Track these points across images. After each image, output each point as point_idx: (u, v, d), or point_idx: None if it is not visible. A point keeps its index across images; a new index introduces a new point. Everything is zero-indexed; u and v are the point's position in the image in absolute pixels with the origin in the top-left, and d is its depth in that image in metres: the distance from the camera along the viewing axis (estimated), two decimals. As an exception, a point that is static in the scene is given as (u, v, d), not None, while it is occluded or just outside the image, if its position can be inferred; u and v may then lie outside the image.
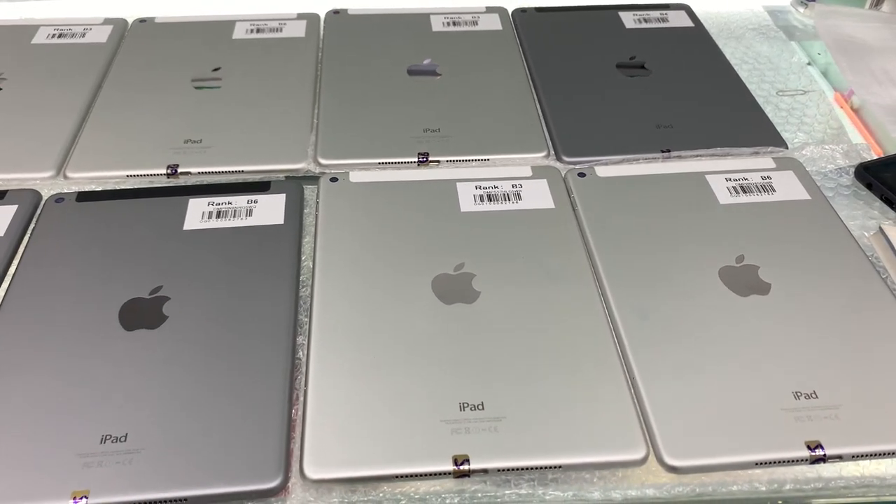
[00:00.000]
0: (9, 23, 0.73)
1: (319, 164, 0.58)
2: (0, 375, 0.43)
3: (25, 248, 0.51)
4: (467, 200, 0.54)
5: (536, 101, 0.65)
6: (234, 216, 0.53)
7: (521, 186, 0.56)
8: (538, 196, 0.55)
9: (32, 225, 0.53)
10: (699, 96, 0.65)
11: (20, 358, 0.44)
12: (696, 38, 0.73)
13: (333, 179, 0.56)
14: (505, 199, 0.55)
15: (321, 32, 0.73)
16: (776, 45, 0.75)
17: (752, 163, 0.58)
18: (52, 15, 0.75)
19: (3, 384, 0.42)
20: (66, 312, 0.46)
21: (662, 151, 0.59)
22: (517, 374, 0.43)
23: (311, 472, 0.39)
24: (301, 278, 0.50)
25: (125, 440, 0.40)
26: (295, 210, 0.54)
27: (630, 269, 0.50)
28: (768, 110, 0.64)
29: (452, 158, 0.59)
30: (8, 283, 0.49)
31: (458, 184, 0.56)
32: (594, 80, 0.67)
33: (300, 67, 0.68)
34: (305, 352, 0.45)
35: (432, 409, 0.41)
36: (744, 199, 0.55)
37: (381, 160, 0.58)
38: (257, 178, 0.57)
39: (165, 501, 0.38)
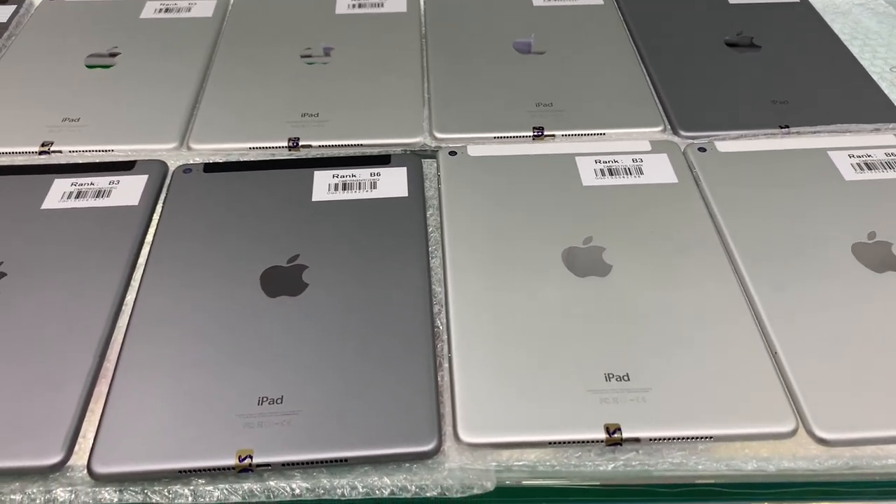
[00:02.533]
0: (116, -2, 0.75)
1: (435, 139, 0.59)
2: (154, 341, 0.44)
3: (160, 217, 0.52)
4: (588, 174, 0.55)
5: (646, 76, 0.64)
6: (359, 188, 0.54)
7: (642, 161, 0.56)
8: (660, 170, 0.55)
9: (163, 194, 0.55)
10: (813, 72, 0.64)
11: (170, 324, 0.45)
12: (803, 14, 0.72)
13: (452, 153, 0.57)
14: (626, 174, 0.55)
15: (422, 7, 0.73)
16: (887, 21, 0.73)
17: (874, 139, 0.57)
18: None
19: (159, 349, 0.44)
20: (209, 279, 0.48)
21: (781, 127, 0.58)
22: (659, 346, 0.43)
23: (466, 436, 0.40)
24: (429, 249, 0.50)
25: (281, 402, 0.41)
26: (417, 183, 0.55)
27: (761, 243, 0.49)
28: (883, 87, 0.63)
29: (568, 133, 0.59)
30: (148, 250, 0.50)
31: (577, 158, 0.56)
32: (702, 55, 0.66)
33: (405, 42, 0.69)
34: (444, 320, 0.46)
35: (579, 379, 0.42)
36: (869, 175, 0.54)
37: (496, 134, 0.59)
38: (375, 151, 0.58)
39: (326, 462, 0.39)
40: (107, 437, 0.40)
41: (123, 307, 0.47)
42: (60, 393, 0.42)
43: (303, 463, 0.39)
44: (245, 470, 0.39)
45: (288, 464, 0.39)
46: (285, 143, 0.58)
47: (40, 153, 0.58)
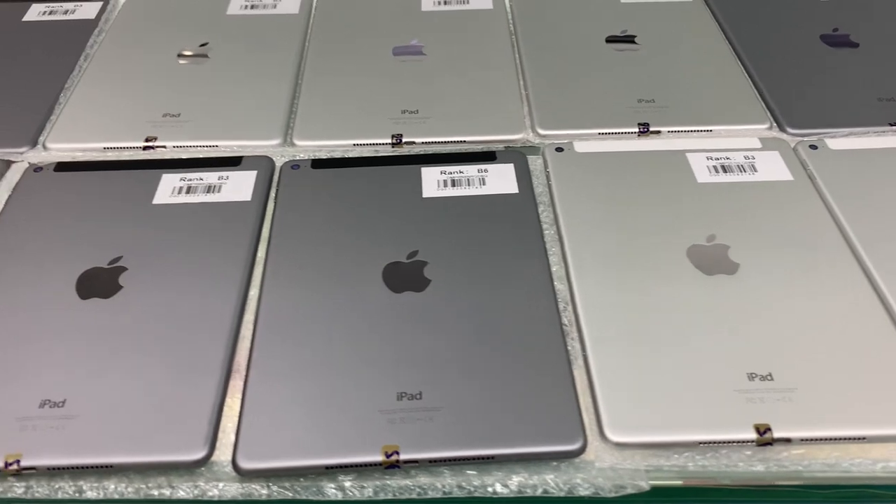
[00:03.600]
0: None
1: (539, 135, 0.58)
2: (284, 337, 0.44)
3: (274, 212, 0.52)
4: (701, 171, 0.54)
5: (745, 72, 0.63)
6: (468, 185, 0.54)
7: (754, 158, 0.55)
8: (773, 167, 0.54)
9: (273, 190, 0.54)
10: (916, 68, 0.63)
11: (297, 319, 0.45)
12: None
13: (559, 150, 0.56)
14: (740, 171, 0.54)
15: (507, 4, 0.73)
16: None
17: None
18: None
19: (289, 345, 0.44)
20: (330, 275, 0.48)
21: (891, 125, 0.57)
22: (803, 346, 0.43)
23: (614, 436, 0.39)
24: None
25: (420, 398, 0.41)
26: (525, 179, 0.54)
27: (886, 241, 0.49)
28: None
29: (674, 129, 0.58)
30: (266, 245, 0.50)
31: (688, 155, 0.55)
32: (799, 51, 0.65)
33: (495, 38, 0.68)
34: (571, 318, 0.45)
35: (722, 378, 0.41)
36: None
37: (600, 130, 0.58)
38: (478, 148, 0.58)
39: (473, 459, 0.39)
40: (249, 432, 0.40)
41: (247, 302, 0.47)
42: (197, 388, 0.42)
43: (450, 460, 0.39)
44: (392, 466, 0.39)
45: (435, 460, 0.39)
46: (388, 140, 0.58)
47: (144, 148, 0.58)
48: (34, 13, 0.73)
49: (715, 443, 0.39)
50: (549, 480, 0.38)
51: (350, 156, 0.57)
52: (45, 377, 0.42)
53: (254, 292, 0.47)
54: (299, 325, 0.45)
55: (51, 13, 0.73)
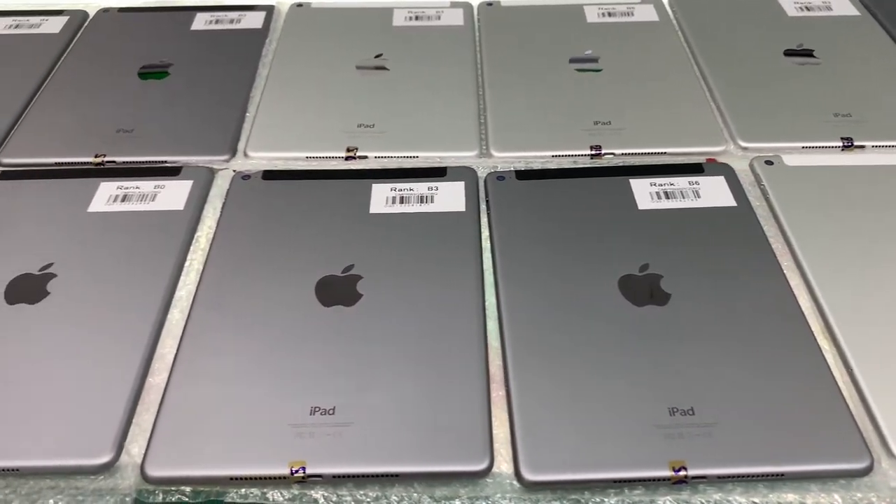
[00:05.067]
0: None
1: (741, 148, 0.58)
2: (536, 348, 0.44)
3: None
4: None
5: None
6: (681, 197, 0.54)
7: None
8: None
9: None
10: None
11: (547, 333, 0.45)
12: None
13: (769, 163, 0.56)
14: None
15: (672, 14, 0.73)
16: None
17: None
18: None
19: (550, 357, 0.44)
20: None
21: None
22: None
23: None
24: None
25: (693, 413, 0.40)
26: (739, 191, 0.54)
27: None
28: None
29: (879, 144, 0.57)
30: (490, 255, 0.50)
31: (901, 169, 0.55)
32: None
33: (671, 49, 0.68)
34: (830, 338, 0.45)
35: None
36: None
37: (804, 144, 0.58)
38: (678, 160, 0.57)
39: (760, 476, 0.39)
40: (531, 444, 0.40)
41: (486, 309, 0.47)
42: (467, 397, 0.42)
43: (737, 476, 0.39)
44: (680, 482, 0.38)
45: (723, 476, 0.39)
46: (587, 151, 0.58)
47: (346, 158, 0.58)
48: (201, 22, 0.74)
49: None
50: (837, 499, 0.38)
51: (550, 167, 0.57)
52: (315, 384, 0.42)
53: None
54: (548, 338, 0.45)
55: (217, 22, 0.74)
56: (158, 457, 0.39)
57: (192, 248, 0.51)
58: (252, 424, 0.41)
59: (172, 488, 0.39)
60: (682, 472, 0.38)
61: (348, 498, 0.39)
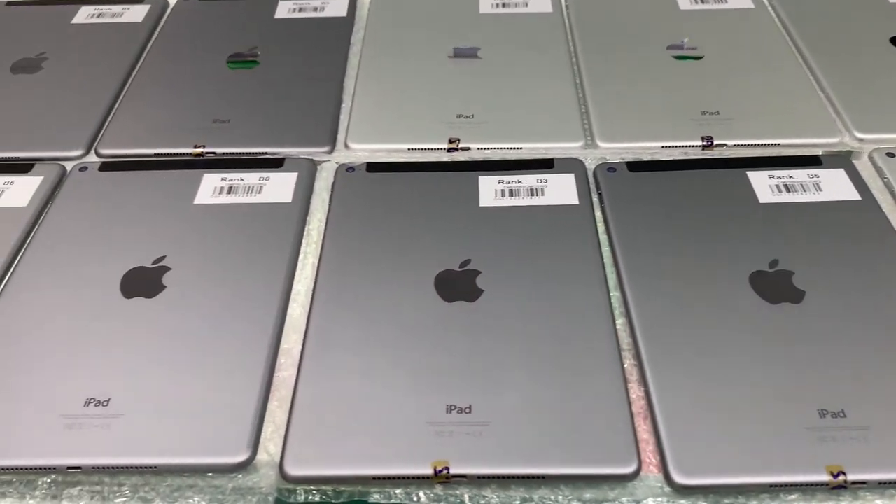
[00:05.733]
0: None
1: (857, 139, 0.56)
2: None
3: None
4: None
5: None
6: (802, 190, 0.52)
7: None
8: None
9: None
10: None
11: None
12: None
13: (890, 154, 0.54)
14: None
15: (767, 1, 0.71)
16: None
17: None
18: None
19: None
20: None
21: None
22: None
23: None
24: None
25: (844, 415, 0.39)
26: (861, 184, 0.52)
27: None
28: None
29: None
30: (609, 249, 0.49)
31: None
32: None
33: (770, 37, 0.66)
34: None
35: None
36: None
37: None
38: (792, 152, 0.56)
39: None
40: (681, 446, 0.38)
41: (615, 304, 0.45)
42: (609, 399, 0.40)
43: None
44: (839, 487, 0.37)
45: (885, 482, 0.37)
46: (699, 142, 0.56)
47: (449, 150, 0.57)
48: (284, 10, 0.73)
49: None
50: None
51: (659, 158, 0.56)
52: (448, 382, 0.41)
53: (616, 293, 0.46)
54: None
55: (300, 10, 0.73)
56: (297, 455, 0.39)
57: (304, 241, 0.50)
58: (389, 422, 0.40)
59: (313, 488, 0.38)
60: (842, 478, 0.37)
61: (494, 500, 0.38)
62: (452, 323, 0.44)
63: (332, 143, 0.58)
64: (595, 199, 0.53)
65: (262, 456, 0.39)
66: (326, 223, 0.51)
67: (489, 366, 0.42)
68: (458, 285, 0.46)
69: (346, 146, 0.58)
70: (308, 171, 0.55)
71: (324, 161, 0.56)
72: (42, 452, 0.39)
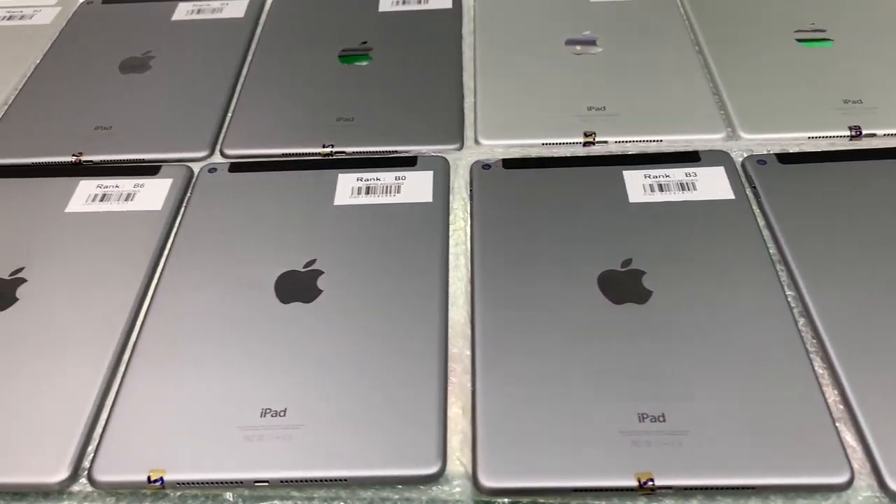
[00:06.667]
0: None
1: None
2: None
3: (764, 212, 0.49)
4: None
5: None
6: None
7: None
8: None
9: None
10: None
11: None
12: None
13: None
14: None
15: None
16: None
17: None
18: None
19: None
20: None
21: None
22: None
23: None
24: None
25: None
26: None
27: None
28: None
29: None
30: (775, 244, 0.47)
31: None
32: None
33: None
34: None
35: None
36: None
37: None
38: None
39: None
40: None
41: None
42: (804, 407, 0.39)
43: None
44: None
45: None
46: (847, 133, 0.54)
47: (585, 144, 0.55)
48: (387, 3, 0.71)
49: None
50: None
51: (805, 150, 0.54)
52: (638, 387, 0.40)
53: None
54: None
55: (403, 3, 0.71)
56: (491, 466, 0.37)
57: (451, 241, 0.49)
58: (581, 431, 0.38)
59: (509, 500, 0.37)
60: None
61: (701, 510, 0.36)
62: (623, 326, 0.43)
63: (461, 139, 0.56)
64: (749, 193, 0.51)
65: (452, 466, 0.38)
66: (471, 222, 0.50)
67: (674, 371, 0.41)
68: (624, 286, 0.45)
69: (477, 142, 0.56)
70: (443, 169, 0.54)
71: (454, 158, 0.55)
72: (226, 466, 0.38)
